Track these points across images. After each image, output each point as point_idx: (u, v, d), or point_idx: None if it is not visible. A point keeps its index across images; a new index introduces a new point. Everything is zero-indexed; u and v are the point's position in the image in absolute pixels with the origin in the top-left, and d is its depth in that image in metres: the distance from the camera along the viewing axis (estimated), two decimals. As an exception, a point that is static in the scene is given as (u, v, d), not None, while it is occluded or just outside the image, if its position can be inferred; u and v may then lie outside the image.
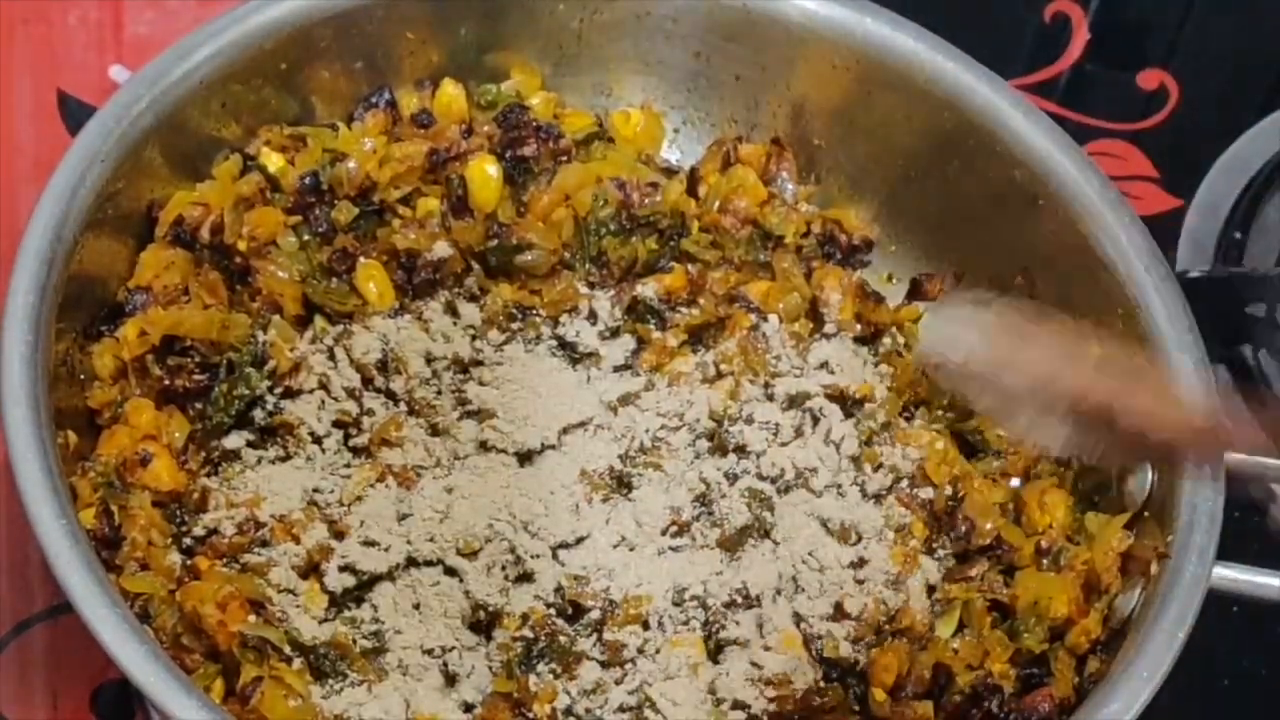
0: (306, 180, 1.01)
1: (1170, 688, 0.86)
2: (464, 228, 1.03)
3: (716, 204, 1.08)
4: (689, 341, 1.03)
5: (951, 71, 1.04)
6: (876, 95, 1.06)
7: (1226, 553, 0.91)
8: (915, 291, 1.09)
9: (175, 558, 0.91)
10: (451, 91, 1.08)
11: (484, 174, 1.04)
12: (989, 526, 0.98)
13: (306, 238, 1.01)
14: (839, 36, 1.05)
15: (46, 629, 1.01)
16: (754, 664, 0.92)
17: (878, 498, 0.99)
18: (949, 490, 1.00)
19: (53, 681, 1.00)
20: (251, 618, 0.89)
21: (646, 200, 1.05)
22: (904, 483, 1.00)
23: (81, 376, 0.95)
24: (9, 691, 0.99)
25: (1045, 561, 0.97)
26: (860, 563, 0.96)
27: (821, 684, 0.93)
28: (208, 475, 0.95)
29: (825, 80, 1.08)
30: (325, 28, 1.02)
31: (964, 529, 0.98)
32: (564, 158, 1.06)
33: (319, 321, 1.00)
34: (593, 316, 1.02)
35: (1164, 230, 1.21)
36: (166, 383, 0.95)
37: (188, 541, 0.93)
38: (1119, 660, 0.88)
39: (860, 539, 0.97)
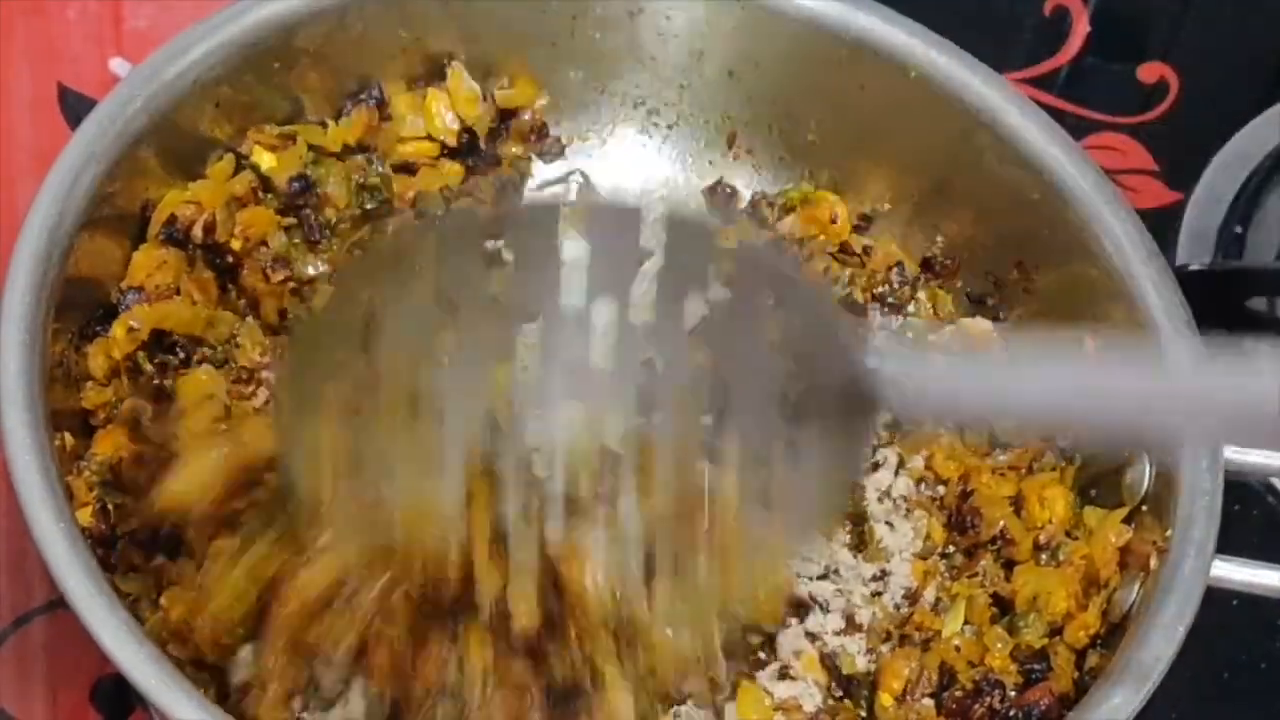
0: (295, 181, 1.01)
1: (1170, 681, 0.86)
2: None
3: None
4: None
5: (946, 66, 1.04)
6: (870, 90, 1.06)
7: (1226, 546, 0.90)
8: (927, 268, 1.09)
9: (165, 558, 0.91)
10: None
11: None
12: (996, 518, 0.98)
13: (296, 240, 1.01)
14: (832, 31, 1.05)
15: (45, 623, 1.01)
16: (764, 690, 0.92)
17: (907, 512, 0.99)
18: (959, 486, 1.00)
19: (52, 676, 1.00)
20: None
21: None
22: (921, 485, 1.00)
23: (77, 378, 0.95)
24: (8, 686, 0.99)
25: (1044, 556, 0.96)
26: (881, 575, 0.96)
27: (831, 702, 0.92)
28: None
29: (819, 76, 1.07)
30: (319, 25, 1.01)
31: (972, 520, 0.98)
32: None
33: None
34: None
35: (1164, 224, 1.21)
36: (157, 381, 0.95)
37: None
38: (1119, 655, 0.87)
39: (887, 558, 0.97)
